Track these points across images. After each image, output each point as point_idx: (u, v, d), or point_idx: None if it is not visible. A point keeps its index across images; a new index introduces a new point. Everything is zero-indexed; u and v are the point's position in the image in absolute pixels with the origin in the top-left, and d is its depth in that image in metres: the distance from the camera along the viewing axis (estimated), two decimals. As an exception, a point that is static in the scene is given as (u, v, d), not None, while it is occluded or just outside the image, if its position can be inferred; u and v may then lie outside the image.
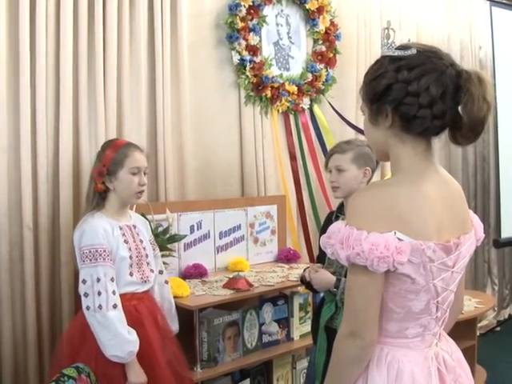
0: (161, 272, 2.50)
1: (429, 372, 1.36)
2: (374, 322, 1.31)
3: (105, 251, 2.18)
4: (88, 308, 2.14)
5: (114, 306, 2.15)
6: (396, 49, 1.35)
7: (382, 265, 1.25)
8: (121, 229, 2.30)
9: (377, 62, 1.39)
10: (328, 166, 2.42)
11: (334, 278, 2.25)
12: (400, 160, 1.37)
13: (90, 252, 2.17)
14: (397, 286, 1.32)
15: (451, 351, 1.47)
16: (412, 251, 1.28)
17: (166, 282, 2.55)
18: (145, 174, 2.36)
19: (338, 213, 2.43)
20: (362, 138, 3.75)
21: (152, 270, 2.39)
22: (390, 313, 1.35)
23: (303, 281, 2.41)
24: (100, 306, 2.12)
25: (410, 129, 1.34)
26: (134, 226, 2.38)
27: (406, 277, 1.30)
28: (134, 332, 2.18)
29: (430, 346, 1.41)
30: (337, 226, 1.34)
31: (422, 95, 1.30)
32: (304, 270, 2.42)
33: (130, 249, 2.29)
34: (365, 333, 1.30)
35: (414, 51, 1.33)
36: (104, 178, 2.28)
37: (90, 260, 2.16)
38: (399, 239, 1.27)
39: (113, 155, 2.30)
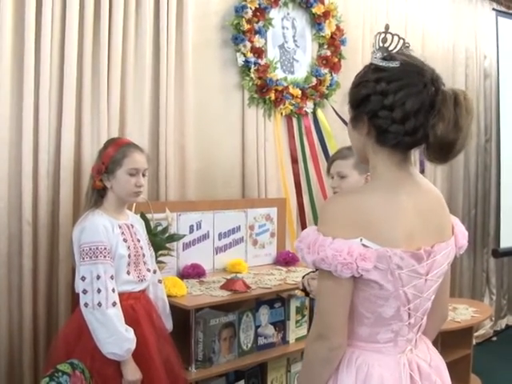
0: (154, 271, 2.50)
1: (399, 377, 1.36)
2: (341, 326, 1.32)
3: (105, 249, 2.19)
4: (86, 305, 2.14)
5: (114, 304, 2.16)
6: (382, 58, 1.35)
7: (345, 271, 1.27)
8: (120, 227, 2.31)
9: (364, 67, 1.41)
10: (330, 171, 2.41)
11: None
12: (376, 168, 1.39)
13: (90, 249, 2.17)
14: (366, 291, 1.33)
15: (430, 359, 1.47)
16: (378, 258, 1.28)
17: (160, 282, 2.55)
18: (144, 175, 2.36)
19: None
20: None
21: (149, 270, 2.41)
22: (361, 317, 1.36)
23: (303, 289, 2.42)
24: (99, 304, 2.13)
25: (383, 141, 1.35)
26: (132, 225, 2.39)
27: (374, 283, 1.31)
28: (131, 330, 2.19)
29: (404, 351, 1.41)
30: (307, 231, 1.36)
31: (395, 110, 1.30)
32: (303, 277, 2.42)
33: (128, 247, 2.30)
34: (332, 336, 1.31)
35: (397, 64, 1.33)
36: (102, 175, 2.29)
37: (90, 257, 2.16)
38: (365, 246, 1.28)
39: (112, 154, 2.31)
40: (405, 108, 1.29)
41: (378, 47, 1.38)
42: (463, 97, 1.30)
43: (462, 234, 1.52)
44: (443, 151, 1.30)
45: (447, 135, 1.27)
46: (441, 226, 1.44)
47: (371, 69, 1.37)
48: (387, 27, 1.41)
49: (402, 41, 1.39)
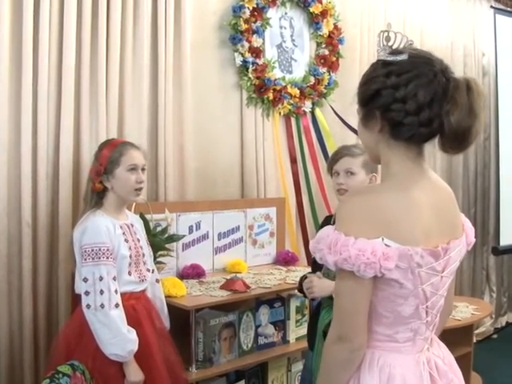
0: (152, 271, 2.50)
1: (420, 376, 1.36)
2: (362, 327, 1.31)
3: (107, 250, 2.19)
4: (88, 306, 2.14)
5: (116, 305, 2.16)
6: (390, 53, 1.35)
7: (368, 270, 1.26)
8: (121, 227, 2.31)
9: (372, 65, 1.40)
10: (334, 167, 2.36)
11: (333, 284, 2.23)
12: (390, 165, 1.38)
13: (92, 250, 2.17)
14: (385, 290, 1.32)
15: (443, 356, 1.48)
16: (400, 257, 1.28)
17: (157, 281, 2.55)
18: (143, 170, 2.36)
19: None
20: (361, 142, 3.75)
21: (148, 270, 2.41)
22: (380, 317, 1.36)
23: (300, 290, 2.41)
24: (102, 305, 2.12)
25: (398, 135, 1.34)
26: (132, 225, 2.39)
27: (394, 282, 1.30)
28: (133, 331, 2.19)
29: (422, 350, 1.41)
30: (326, 232, 1.34)
31: (408, 102, 1.30)
32: (301, 279, 2.41)
33: (130, 248, 2.30)
34: (353, 337, 1.30)
35: (405, 56, 1.33)
36: (101, 177, 2.29)
37: (93, 258, 2.16)
38: (386, 245, 1.27)
39: (109, 154, 2.31)
40: (417, 99, 1.29)
41: (382, 46, 1.38)
42: (474, 83, 1.30)
43: (471, 231, 1.52)
44: (458, 139, 1.30)
45: (462, 122, 1.27)
46: (454, 223, 1.44)
47: (379, 65, 1.36)
48: (389, 26, 1.41)
49: (405, 38, 1.39)
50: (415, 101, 1.29)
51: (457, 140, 1.31)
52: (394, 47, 1.30)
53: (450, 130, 1.29)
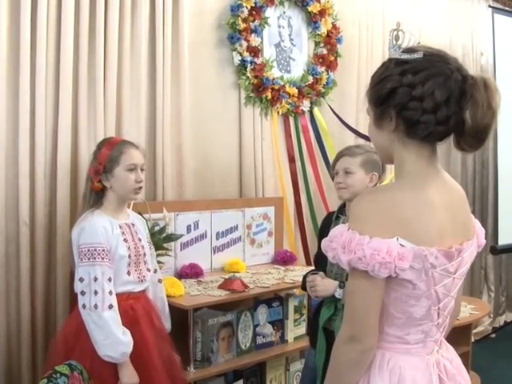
0: (155, 271, 2.50)
1: (430, 379, 1.35)
2: (373, 327, 1.30)
3: (103, 250, 2.18)
4: (84, 306, 2.14)
5: (110, 307, 2.15)
6: (402, 52, 1.33)
7: (383, 270, 1.24)
8: (120, 227, 2.30)
9: (383, 64, 1.38)
10: (335, 167, 2.41)
11: (336, 284, 2.25)
12: (404, 164, 1.36)
13: (88, 251, 2.16)
14: (398, 291, 1.31)
15: (451, 358, 1.47)
16: (414, 257, 1.27)
17: (160, 281, 2.54)
18: (142, 170, 2.35)
19: (339, 213, 2.43)
20: (361, 141, 3.76)
21: (149, 269, 2.39)
22: (391, 318, 1.34)
23: (305, 288, 2.41)
24: (96, 306, 2.12)
25: (414, 134, 1.32)
26: (133, 225, 2.38)
27: (408, 282, 1.29)
28: (128, 333, 2.17)
29: (432, 352, 1.40)
30: (339, 230, 1.33)
31: (425, 100, 1.28)
32: (305, 277, 2.42)
33: (129, 248, 2.29)
34: (364, 337, 1.29)
35: (420, 55, 1.31)
36: (100, 176, 2.28)
37: (89, 259, 2.15)
38: (401, 245, 1.26)
39: (108, 153, 2.29)
40: (435, 97, 1.28)
41: (392, 45, 1.36)
42: (490, 80, 1.30)
43: (482, 232, 1.51)
44: (478, 137, 1.30)
45: (483, 120, 1.27)
46: (466, 224, 1.43)
47: (392, 63, 1.34)
48: (398, 24, 1.39)
49: (413, 37, 1.38)
50: (432, 99, 1.28)
51: (476, 138, 1.30)
52: (403, 46, 1.29)
53: (471, 128, 1.28)
